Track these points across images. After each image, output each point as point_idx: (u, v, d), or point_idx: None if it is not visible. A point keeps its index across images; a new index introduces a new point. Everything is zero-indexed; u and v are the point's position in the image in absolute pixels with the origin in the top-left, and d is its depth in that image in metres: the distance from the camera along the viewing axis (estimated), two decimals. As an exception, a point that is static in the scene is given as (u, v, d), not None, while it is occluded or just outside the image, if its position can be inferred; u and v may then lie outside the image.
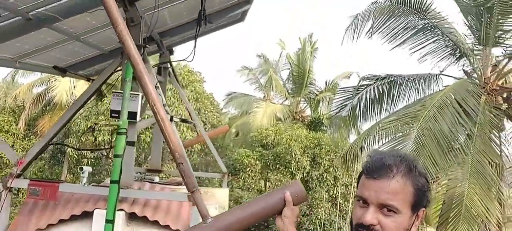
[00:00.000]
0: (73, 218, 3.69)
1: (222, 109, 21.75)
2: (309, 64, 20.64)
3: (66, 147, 16.99)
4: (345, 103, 13.88)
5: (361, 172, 1.57)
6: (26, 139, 18.11)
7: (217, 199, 5.78)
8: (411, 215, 1.52)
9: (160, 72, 6.01)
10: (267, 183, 19.39)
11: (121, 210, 3.73)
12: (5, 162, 17.06)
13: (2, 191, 3.70)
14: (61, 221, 3.69)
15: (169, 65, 6.10)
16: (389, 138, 9.93)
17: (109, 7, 2.53)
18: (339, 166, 16.11)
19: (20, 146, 17.57)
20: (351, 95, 13.58)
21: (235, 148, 20.92)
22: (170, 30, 5.65)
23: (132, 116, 3.70)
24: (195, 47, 4.72)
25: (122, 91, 3.56)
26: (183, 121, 3.94)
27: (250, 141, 19.88)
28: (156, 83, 3.89)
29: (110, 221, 3.43)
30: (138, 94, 3.72)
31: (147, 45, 5.77)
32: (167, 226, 3.73)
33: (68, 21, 4.14)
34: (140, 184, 4.42)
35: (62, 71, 4.03)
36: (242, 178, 18.80)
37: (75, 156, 17.26)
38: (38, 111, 18.62)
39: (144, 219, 3.77)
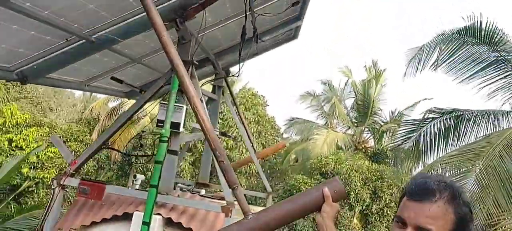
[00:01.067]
0: (115, 218, 3.92)
1: (282, 133, 21.82)
2: (374, 94, 20.24)
3: (133, 159, 17.92)
4: (409, 136, 13.45)
5: (404, 193, 1.58)
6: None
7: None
8: None
9: (214, 90, 6.27)
10: (324, 212, 19.03)
11: (159, 214, 3.91)
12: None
13: (56, 187, 4.04)
14: (104, 220, 3.93)
15: (223, 84, 6.33)
16: (450, 173, 9.45)
17: (152, 17, 2.75)
18: (389, 200, 15.44)
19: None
20: (415, 128, 13.13)
21: (293, 174, 20.83)
22: (224, 50, 5.90)
23: (175, 126, 3.90)
24: (239, 60, 4.90)
25: (167, 102, 3.79)
26: (222, 134, 4.08)
27: (309, 168, 19.70)
28: (201, 97, 4.08)
29: (146, 223, 3.62)
30: (183, 106, 3.93)
31: (205, 65, 6.11)
32: (200, 234, 3.86)
33: (129, 46, 4.53)
34: (182, 193, 4.61)
35: (119, 81, 4.37)
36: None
37: (140, 168, 18.12)
38: (111, 124, 19.88)
39: (179, 226, 3.92)
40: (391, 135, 19.41)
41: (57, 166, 18.66)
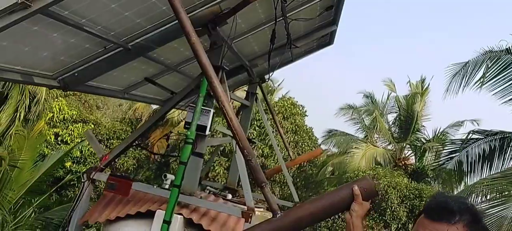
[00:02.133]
0: (138, 215, 4.01)
1: (320, 145, 21.60)
2: (418, 110, 19.65)
3: (170, 160, 18.31)
4: (451, 155, 13.02)
5: (422, 210, 1.54)
6: (138, 149, 19.88)
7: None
8: None
9: (248, 97, 6.31)
10: (359, 228, 18.62)
11: (180, 214, 3.97)
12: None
13: (86, 181, 4.19)
14: (128, 216, 4.03)
15: (257, 91, 6.36)
16: (491, 196, 9.07)
17: (182, 21, 2.82)
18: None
19: (132, 153, 19.32)
20: (458, 148, 12.70)
21: (329, 186, 20.55)
22: (259, 57, 5.93)
23: (201, 129, 3.96)
24: (269, 64, 4.91)
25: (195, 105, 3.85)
26: (248, 140, 4.10)
27: (345, 181, 19.39)
28: (230, 101, 4.12)
29: (167, 222, 3.68)
30: (210, 110, 3.98)
31: (239, 72, 6.18)
32: (219, 238, 3.88)
33: (166, 53, 4.66)
34: (206, 195, 4.66)
35: (153, 83, 4.49)
36: (331, 218, 18.34)
37: (176, 168, 18.48)
38: (141, 124, 20.43)
39: (200, 227, 3.96)
40: (433, 153, 18.77)
41: (98, 160, 19.34)
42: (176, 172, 3.73)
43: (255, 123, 17.96)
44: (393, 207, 17.73)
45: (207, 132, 4.00)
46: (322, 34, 5.92)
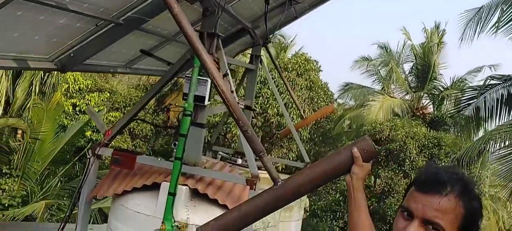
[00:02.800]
0: (144, 187, 4.07)
1: (336, 100, 21.42)
2: (435, 58, 19.16)
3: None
4: (469, 102, 12.78)
5: (412, 182, 1.51)
6: (155, 113, 20.06)
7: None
8: None
9: (252, 60, 6.20)
10: (377, 180, 18.68)
11: (185, 185, 4.01)
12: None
13: (91, 157, 4.25)
14: (134, 189, 4.10)
15: (261, 52, 6.24)
16: (510, 141, 8.93)
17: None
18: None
19: (149, 119, 19.55)
20: (476, 95, 12.44)
21: (347, 140, 20.52)
22: (260, 18, 5.77)
23: (200, 99, 3.92)
24: (266, 24, 4.77)
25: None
26: (247, 107, 4.06)
27: (363, 134, 19.30)
28: (227, 71, 4.06)
29: (171, 194, 3.72)
30: (207, 80, 3.93)
31: (241, 36, 6.07)
32: (224, 206, 3.91)
33: (161, 24, 4.57)
34: (211, 164, 4.67)
35: (148, 54, 4.44)
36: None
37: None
38: (167, 90, 20.49)
39: (206, 197, 4.00)
40: (451, 101, 18.44)
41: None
42: (177, 145, 3.73)
43: (268, 82, 17.85)
44: (412, 157, 17.65)
45: (206, 102, 3.97)
46: None
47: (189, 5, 4.09)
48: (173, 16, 2.75)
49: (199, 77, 3.87)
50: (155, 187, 4.04)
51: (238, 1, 4.86)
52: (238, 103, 4.01)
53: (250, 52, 6.34)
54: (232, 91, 3.89)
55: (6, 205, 14.00)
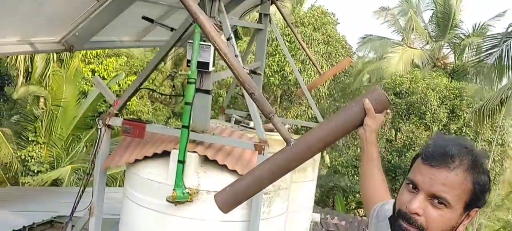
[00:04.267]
0: (155, 155, 4.13)
1: (355, 53, 21.04)
2: (455, 4, 18.43)
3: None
4: (491, 51, 12.37)
5: (418, 154, 1.47)
6: (169, 77, 20.14)
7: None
8: (462, 213, 1.40)
9: (261, 19, 6.08)
10: (398, 133, 18.53)
11: (195, 152, 4.05)
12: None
13: (102, 127, 4.31)
14: (145, 158, 4.16)
15: (268, 11, 6.10)
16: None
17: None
18: (473, 121, 14.47)
19: (167, 83, 19.68)
20: (498, 42, 12.01)
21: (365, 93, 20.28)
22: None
23: (204, 65, 3.89)
24: None
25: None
26: (252, 72, 4.01)
27: (383, 88, 19.00)
28: (230, 34, 3.99)
29: (181, 162, 3.79)
30: (210, 45, 3.87)
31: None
32: (234, 171, 3.95)
33: None
34: (221, 129, 4.69)
35: (150, 21, 4.40)
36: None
37: (213, 99, 18.75)
38: (183, 52, 20.45)
39: (216, 163, 4.04)
40: (473, 49, 17.91)
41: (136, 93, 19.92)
42: (183, 113, 3.75)
43: (285, 38, 17.57)
44: (433, 109, 17.39)
45: (210, 68, 3.94)
46: None
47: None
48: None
49: (202, 43, 3.83)
50: (166, 154, 4.09)
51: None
52: (243, 68, 3.97)
53: (258, 11, 6.20)
54: (236, 56, 3.83)
55: (35, 171, 14.55)
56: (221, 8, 3.99)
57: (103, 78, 18.35)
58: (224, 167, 4.00)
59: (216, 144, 4.19)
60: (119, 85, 18.39)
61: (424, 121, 17.48)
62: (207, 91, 4.10)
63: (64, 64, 15.45)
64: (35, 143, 14.68)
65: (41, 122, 14.52)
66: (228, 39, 3.95)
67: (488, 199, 1.47)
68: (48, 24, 3.79)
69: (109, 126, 4.34)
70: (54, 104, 14.83)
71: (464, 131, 16.95)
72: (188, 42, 3.86)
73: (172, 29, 4.35)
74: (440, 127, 17.70)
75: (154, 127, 4.36)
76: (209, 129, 4.28)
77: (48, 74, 14.77)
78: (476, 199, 1.39)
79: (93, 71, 18.42)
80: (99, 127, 4.31)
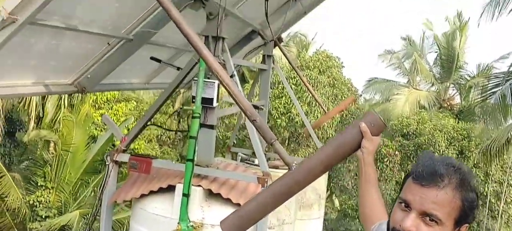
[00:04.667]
0: (161, 190, 4.20)
1: (361, 95, 21.22)
2: (459, 46, 18.70)
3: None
4: (494, 90, 12.46)
5: (408, 174, 1.55)
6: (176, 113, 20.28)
7: (313, 186, 5.85)
8: (453, 229, 1.46)
9: (264, 60, 6.28)
10: (407, 174, 18.37)
11: (199, 186, 4.12)
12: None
13: (109, 163, 4.41)
14: (151, 192, 4.23)
15: (272, 52, 6.30)
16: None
17: (162, 2, 2.86)
18: (481, 161, 14.38)
19: (172, 120, 19.83)
20: (501, 82, 12.12)
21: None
22: (271, 17, 5.82)
23: (208, 101, 4.03)
24: (268, 20, 4.83)
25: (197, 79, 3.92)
26: (256, 107, 4.15)
27: (390, 129, 19.05)
28: (233, 72, 4.15)
29: (185, 195, 3.86)
30: (214, 82, 4.03)
31: (252, 38, 6.16)
32: (238, 204, 3.99)
33: (171, 35, 4.71)
34: (225, 164, 4.77)
35: (158, 61, 4.59)
36: (380, 168, 18.15)
37: (220, 138, 18.88)
38: (189, 97, 20.79)
39: (220, 196, 4.09)
40: (479, 90, 18.02)
41: (145, 137, 20.13)
42: (188, 147, 3.86)
43: (291, 80, 17.87)
44: (442, 150, 17.32)
45: (215, 104, 4.07)
46: None
47: (195, 13, 4.21)
48: (171, 18, 2.88)
49: (206, 79, 3.98)
50: (172, 189, 4.16)
51: (243, 2, 4.95)
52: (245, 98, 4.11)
53: (262, 53, 6.41)
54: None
55: (43, 216, 14.56)
56: (225, 48, 4.16)
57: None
58: (228, 200, 4.05)
59: (221, 178, 4.27)
60: (128, 129, 18.59)
61: (432, 162, 17.36)
62: (212, 126, 4.22)
63: (74, 109, 15.75)
64: (44, 187, 14.78)
65: (51, 166, 14.67)
66: (231, 76, 4.10)
67: (477, 215, 1.53)
68: (61, 66, 3.97)
69: (116, 162, 4.44)
70: (63, 149, 15.01)
71: (474, 172, 16.80)
72: (193, 80, 4.02)
73: (178, 68, 4.53)
74: (449, 168, 17.54)
75: (160, 162, 4.45)
76: (214, 164, 4.37)
77: (58, 119, 15.04)
78: (465, 215, 1.46)
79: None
80: (107, 163, 4.41)
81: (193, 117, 3.82)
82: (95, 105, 18.62)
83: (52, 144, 15.76)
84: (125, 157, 4.42)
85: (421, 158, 1.56)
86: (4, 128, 14.84)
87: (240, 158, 6.76)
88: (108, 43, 4.10)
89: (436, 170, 1.43)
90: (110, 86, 4.95)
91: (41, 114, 15.21)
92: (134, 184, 4.49)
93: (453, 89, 20.26)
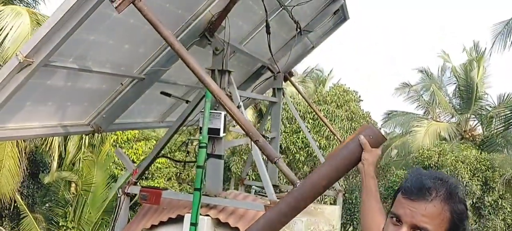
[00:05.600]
0: (170, 220, 4.27)
1: (380, 128, 21.02)
2: (477, 77, 18.51)
3: (231, 165, 18.79)
4: (512, 120, 12.23)
5: (398, 188, 1.59)
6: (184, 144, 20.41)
7: (326, 216, 5.81)
8: None
9: (274, 94, 6.39)
10: (430, 207, 17.92)
11: (208, 215, 4.16)
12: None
13: (121, 195, 4.52)
14: (161, 223, 4.30)
15: (282, 85, 6.42)
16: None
17: (161, 32, 3.01)
18: (506, 191, 13.95)
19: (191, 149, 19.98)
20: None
21: (397, 170, 19.96)
22: (278, 51, 5.98)
23: (215, 132, 4.13)
24: (272, 55, 4.96)
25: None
26: (264, 137, 4.24)
27: (411, 162, 18.74)
28: (239, 103, 4.26)
29: (194, 224, 3.89)
30: (221, 113, 4.14)
31: (262, 72, 6.32)
32: (246, 234, 4.01)
33: (182, 75, 4.89)
34: (234, 194, 4.81)
35: (167, 95, 4.74)
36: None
37: (238, 173, 18.87)
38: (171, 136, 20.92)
39: (229, 226, 4.13)
40: (501, 119, 17.67)
41: (164, 175, 20.26)
42: (195, 177, 3.93)
43: (308, 115, 17.91)
44: (465, 182, 16.90)
45: (221, 134, 4.17)
46: (331, 11, 5.88)
47: (203, 51, 4.38)
48: (175, 51, 3.02)
49: (213, 111, 4.09)
50: (181, 219, 4.22)
51: (250, 39, 5.12)
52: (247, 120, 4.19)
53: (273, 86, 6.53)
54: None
55: (63, 256, 14.67)
56: (231, 80, 4.29)
57: (133, 162, 18.85)
58: (236, 229, 4.08)
59: (229, 207, 4.31)
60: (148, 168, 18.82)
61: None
62: (219, 156, 4.30)
63: (95, 149, 16.06)
64: (65, 227, 14.94)
65: (71, 206, 14.88)
66: (237, 107, 4.21)
67: (467, 226, 1.55)
68: (77, 107, 4.12)
69: (127, 194, 4.54)
70: (84, 189, 15.25)
71: (500, 203, 16.31)
72: (201, 112, 4.13)
73: (187, 101, 4.67)
74: (474, 200, 17.09)
75: (170, 193, 4.54)
76: (223, 193, 4.42)
77: (79, 159, 15.35)
78: (455, 227, 1.48)
79: (123, 156, 18.98)
80: (118, 195, 4.51)
81: (200, 146, 3.91)
82: (115, 145, 18.95)
83: (73, 184, 16.03)
84: (136, 189, 4.52)
85: (410, 173, 1.60)
86: (27, 169, 15.20)
87: (254, 190, 6.81)
88: (121, 83, 4.26)
89: (423, 184, 1.47)
90: (125, 125, 5.10)
91: (63, 155, 15.56)
92: (145, 215, 4.56)
93: (474, 120, 19.92)
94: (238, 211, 4.28)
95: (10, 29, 11.53)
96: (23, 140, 12.66)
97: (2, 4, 12.64)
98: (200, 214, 4.00)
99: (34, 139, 13.44)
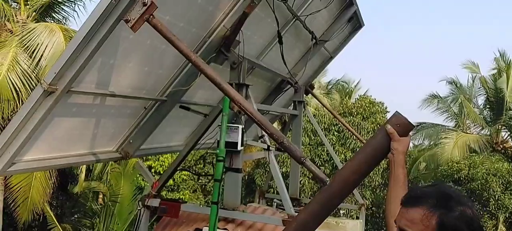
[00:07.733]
0: (187, 233, 4.30)
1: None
2: (506, 87, 17.95)
3: (255, 177, 18.79)
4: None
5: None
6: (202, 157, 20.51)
7: (347, 231, 5.75)
8: None
9: (295, 107, 6.39)
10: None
11: (225, 229, 4.17)
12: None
13: (141, 208, 4.58)
14: (179, 236, 4.34)
15: (302, 98, 6.42)
16: None
17: (178, 46, 3.05)
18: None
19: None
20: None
21: (425, 183, 19.52)
22: (297, 65, 5.99)
23: (232, 145, 4.15)
24: (286, 65, 4.95)
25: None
26: (278, 149, 4.22)
27: (440, 175, 18.30)
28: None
29: (210, 237, 3.92)
30: (238, 126, 4.16)
31: (283, 87, 6.33)
32: (264, 248, 4.01)
33: (204, 94, 4.94)
34: (253, 208, 4.81)
35: (186, 109, 4.79)
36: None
37: (263, 185, 18.85)
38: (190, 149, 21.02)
39: (246, 240, 4.13)
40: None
41: (190, 187, 20.42)
42: (213, 190, 3.95)
43: (333, 128, 17.77)
44: (497, 196, 16.38)
45: (239, 148, 4.18)
46: (344, 19, 5.85)
47: (221, 69, 4.42)
48: (192, 63, 3.06)
49: (230, 124, 4.12)
50: (197, 233, 4.25)
51: (267, 53, 5.14)
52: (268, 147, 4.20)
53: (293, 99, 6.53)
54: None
55: (91, 267, 14.92)
56: (248, 94, 4.32)
57: (159, 174, 19.11)
58: (253, 243, 4.08)
59: (247, 221, 4.31)
60: (174, 179, 19.02)
61: (488, 208, 16.43)
62: (237, 170, 4.32)
63: (122, 161, 16.36)
64: (93, 238, 15.22)
65: (99, 217, 15.14)
66: (256, 121, 4.22)
67: None
68: (104, 134, 4.19)
69: (148, 207, 4.60)
70: (111, 200, 15.51)
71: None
72: (218, 125, 4.17)
73: (205, 115, 4.72)
74: (507, 215, 16.52)
75: (189, 206, 4.57)
76: (241, 207, 4.43)
77: (107, 171, 15.65)
78: None
79: (150, 168, 19.25)
80: (138, 208, 4.58)
81: (218, 160, 3.93)
82: (142, 158, 19.27)
83: (101, 195, 16.34)
84: (155, 202, 4.58)
85: (411, 187, 1.76)
86: (57, 181, 15.61)
87: (275, 204, 6.79)
88: (144, 107, 4.33)
89: (416, 193, 1.60)
90: (152, 150, 5.20)
91: (91, 167, 15.89)
92: (165, 228, 4.61)
93: (505, 131, 19.32)
94: (256, 225, 4.28)
95: (45, 47, 11.77)
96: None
97: (33, 21, 13.05)
98: (218, 228, 4.02)
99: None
